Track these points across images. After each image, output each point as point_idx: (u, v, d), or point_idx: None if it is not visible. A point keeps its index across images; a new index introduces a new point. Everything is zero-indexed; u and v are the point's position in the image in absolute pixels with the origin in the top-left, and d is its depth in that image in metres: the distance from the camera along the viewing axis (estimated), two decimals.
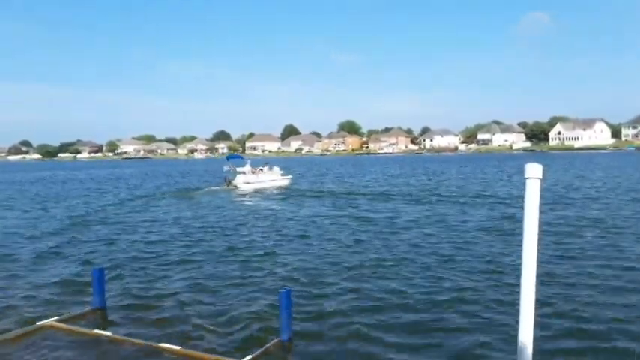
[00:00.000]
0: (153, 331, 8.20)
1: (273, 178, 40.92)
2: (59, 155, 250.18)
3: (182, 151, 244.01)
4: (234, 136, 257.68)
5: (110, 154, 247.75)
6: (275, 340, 7.58)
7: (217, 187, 38.27)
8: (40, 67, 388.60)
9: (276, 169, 42.32)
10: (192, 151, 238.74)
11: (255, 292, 10.27)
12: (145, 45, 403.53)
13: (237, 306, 9.41)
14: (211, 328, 8.35)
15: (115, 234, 17.82)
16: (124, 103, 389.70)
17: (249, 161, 41.81)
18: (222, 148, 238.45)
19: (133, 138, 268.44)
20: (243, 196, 33.23)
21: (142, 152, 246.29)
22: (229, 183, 38.52)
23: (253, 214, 22.82)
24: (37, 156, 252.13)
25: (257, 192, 35.45)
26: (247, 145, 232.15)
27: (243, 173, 39.30)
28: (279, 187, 38.56)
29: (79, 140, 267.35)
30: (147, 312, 9.23)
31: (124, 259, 13.70)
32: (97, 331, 8.10)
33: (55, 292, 10.61)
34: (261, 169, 40.91)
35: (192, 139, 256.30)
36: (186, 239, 16.51)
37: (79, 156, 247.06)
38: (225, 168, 41.06)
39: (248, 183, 38.40)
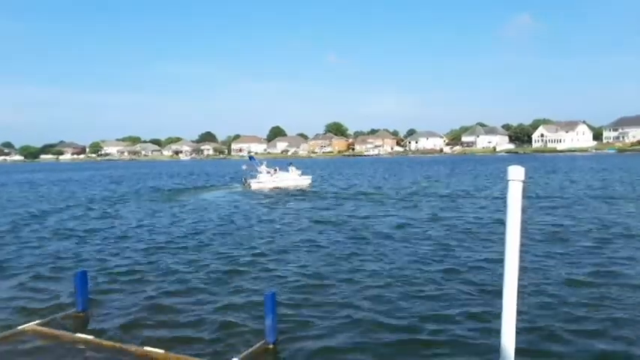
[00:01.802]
0: (136, 335, 8.12)
1: (290, 179, 41.33)
2: (41, 156, 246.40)
3: (167, 152, 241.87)
4: (220, 137, 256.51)
5: (93, 155, 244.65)
6: (260, 343, 7.55)
7: (237, 186, 40.79)
8: (22, 67, 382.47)
9: (292, 168, 42.73)
10: (177, 153, 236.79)
11: (241, 295, 10.23)
12: (130, 45, 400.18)
13: (223, 309, 9.37)
14: (196, 331, 8.30)
15: (95, 235, 17.63)
16: (109, 105, 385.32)
17: (264, 162, 42.93)
18: (208, 149, 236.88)
19: (117, 139, 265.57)
20: (246, 195, 33.55)
21: (125, 154, 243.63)
22: (246, 182, 39.87)
23: (241, 215, 22.72)
24: (19, 157, 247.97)
25: (266, 192, 35.80)
26: (233, 146, 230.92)
27: (260, 173, 40.38)
28: (297, 188, 38.82)
29: (61, 141, 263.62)
30: (130, 315, 9.14)
31: (108, 261, 13.55)
32: (79, 335, 7.99)
33: (37, 296, 10.46)
34: (275, 169, 41.56)
35: (178, 140, 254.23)
36: (169, 242, 16.38)
37: (61, 157, 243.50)
38: (244, 167, 42.55)
39: (260, 183, 39.45)
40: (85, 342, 7.77)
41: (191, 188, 41.76)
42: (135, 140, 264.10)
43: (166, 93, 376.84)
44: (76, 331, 8.13)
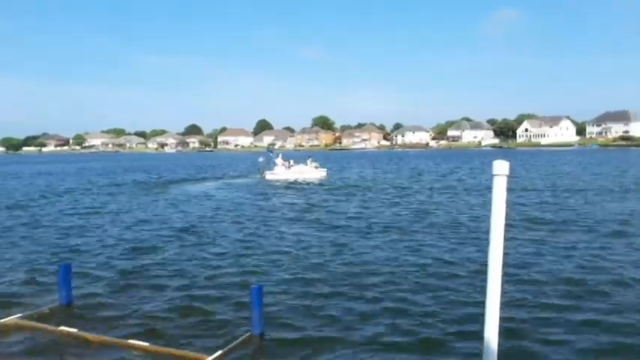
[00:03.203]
0: (121, 328, 8.07)
1: (305, 171, 42.20)
2: (24, 149, 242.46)
3: (152, 145, 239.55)
4: (206, 130, 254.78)
5: (77, 148, 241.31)
6: (247, 335, 7.56)
7: (255, 177, 42.58)
8: (2, 58, 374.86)
9: (309, 161, 43.78)
10: (162, 145, 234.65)
11: (228, 287, 10.20)
12: (114, 37, 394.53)
13: (209, 301, 9.34)
14: (182, 323, 8.27)
15: (81, 227, 17.45)
16: (93, 96, 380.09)
17: (279, 155, 44.32)
18: (194, 142, 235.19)
19: (102, 131, 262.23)
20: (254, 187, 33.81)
21: (110, 146, 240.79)
22: (262, 173, 41.49)
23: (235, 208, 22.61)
24: (1, 149, 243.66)
25: (277, 184, 36.58)
26: (219, 139, 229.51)
27: (276, 165, 41.72)
28: (311, 180, 39.39)
29: (44, 133, 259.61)
30: (115, 308, 9.07)
31: (93, 254, 13.42)
32: (63, 328, 7.91)
33: (20, 289, 10.33)
34: (290, 162, 42.72)
35: (163, 132, 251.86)
36: (155, 233, 16.26)
37: (44, 149, 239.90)
38: (260, 159, 43.80)
39: (274, 174, 40.96)
40: (68, 335, 7.70)
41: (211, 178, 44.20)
42: (119, 132, 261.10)
43: (152, 85, 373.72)
44: (59, 325, 8.05)
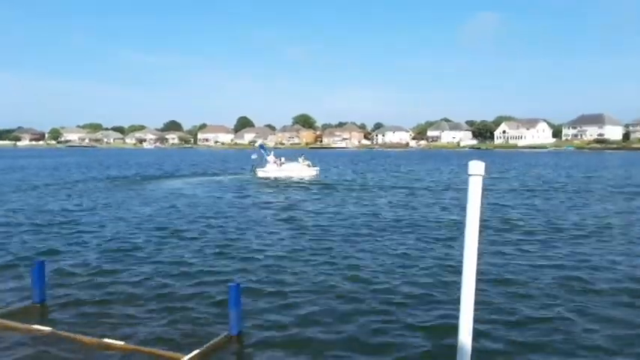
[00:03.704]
0: (96, 327, 7.95)
1: (296, 169, 42.32)
2: None
3: (130, 140, 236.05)
4: (186, 126, 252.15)
5: (53, 142, 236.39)
6: (224, 335, 7.52)
7: (247, 174, 42.69)
8: None
9: (301, 159, 43.85)
10: (140, 141, 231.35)
11: (205, 286, 10.14)
12: (92, 30, 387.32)
13: (186, 300, 9.27)
14: (158, 322, 8.19)
15: (56, 223, 17.12)
16: (70, 90, 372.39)
17: (272, 152, 44.34)
18: (173, 138, 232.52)
19: (78, 126, 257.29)
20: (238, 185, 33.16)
21: (87, 140, 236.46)
22: (254, 171, 41.67)
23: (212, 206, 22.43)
24: None
25: (266, 182, 36.64)
26: (199, 136, 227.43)
27: (268, 162, 41.86)
28: (302, 178, 39.67)
29: (19, 127, 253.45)
30: (90, 307, 8.93)
31: (68, 251, 13.19)
32: (36, 326, 7.77)
33: None
34: (281, 159, 42.76)
35: (141, 128, 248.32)
36: (133, 231, 16.06)
37: (19, 143, 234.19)
38: (253, 156, 43.58)
39: (265, 172, 41.12)
40: (42, 333, 7.57)
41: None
42: (96, 127, 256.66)
43: (130, 81, 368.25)
44: (32, 323, 7.91)
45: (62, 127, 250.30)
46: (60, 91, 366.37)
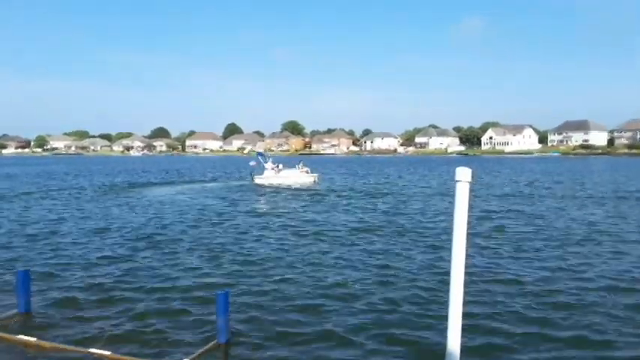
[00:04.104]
0: (82, 337, 7.85)
1: (294, 176, 42.27)
2: None
3: (117, 147, 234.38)
4: (174, 133, 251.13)
5: (39, 150, 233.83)
6: (212, 343, 7.47)
7: (245, 182, 42.73)
8: None
9: (299, 166, 43.83)
10: (128, 148, 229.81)
11: (193, 294, 10.06)
12: (80, 35, 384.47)
13: (174, 308, 9.19)
14: (145, 331, 8.10)
15: (41, 232, 16.90)
16: (56, 98, 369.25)
17: (270, 159, 44.29)
18: (161, 145, 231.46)
19: (65, 133, 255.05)
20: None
21: (73, 148, 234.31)
22: (253, 177, 41.82)
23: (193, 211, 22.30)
24: None
25: (261, 189, 36.54)
26: (188, 143, 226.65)
27: (266, 169, 41.85)
28: (300, 185, 39.61)
29: (4, 135, 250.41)
30: (75, 316, 8.82)
31: (54, 260, 13.01)
32: (21, 336, 7.66)
33: None
34: (278, 166, 42.71)
35: (129, 135, 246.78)
36: (119, 239, 15.90)
37: (4, 151, 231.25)
38: (251, 163, 43.74)
39: (263, 178, 41.20)
40: (27, 344, 7.46)
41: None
42: (83, 135, 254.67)
43: (117, 88, 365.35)
44: (17, 333, 7.79)
45: (48, 135, 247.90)
46: (46, 96, 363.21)
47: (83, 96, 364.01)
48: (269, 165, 42.36)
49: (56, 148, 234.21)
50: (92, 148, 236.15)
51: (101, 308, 9.24)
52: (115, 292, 10.23)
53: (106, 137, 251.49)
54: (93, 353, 7.11)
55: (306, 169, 43.80)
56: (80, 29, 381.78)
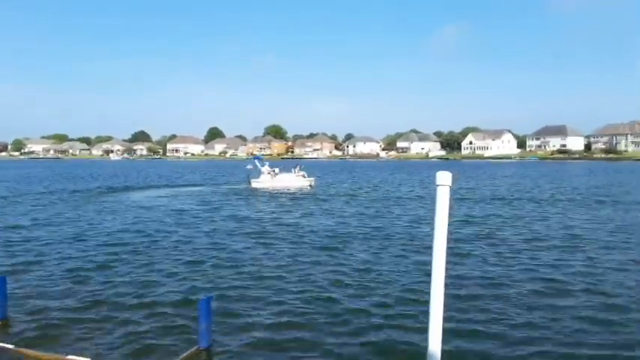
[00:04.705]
0: (60, 343, 7.73)
1: (290, 180, 42.26)
2: None
3: (97, 151, 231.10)
4: (155, 137, 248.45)
5: (16, 154, 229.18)
6: (194, 349, 7.41)
7: (242, 186, 42.16)
8: None
9: (296, 170, 43.68)
10: (107, 152, 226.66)
11: (175, 299, 9.96)
12: (59, 38, 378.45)
13: (155, 314, 9.10)
14: (126, 338, 8.01)
15: (18, 238, 16.56)
16: (34, 100, 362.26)
17: (266, 163, 44.49)
18: (142, 149, 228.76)
19: (43, 137, 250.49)
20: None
21: (51, 152, 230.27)
22: (249, 182, 41.70)
23: (177, 217, 22.07)
24: None
25: (256, 193, 36.27)
26: (169, 146, 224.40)
27: (262, 173, 41.83)
28: (297, 189, 39.66)
29: None
30: (54, 323, 8.67)
31: (31, 266, 12.76)
32: None
33: None
34: (275, 170, 42.70)
35: (109, 139, 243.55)
36: (100, 244, 15.67)
37: None
38: (248, 167, 43.53)
39: (259, 182, 40.91)
40: (4, 351, 7.30)
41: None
42: (62, 138, 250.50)
43: (96, 90, 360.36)
44: None
45: (26, 138, 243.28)
46: (24, 99, 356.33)
47: (62, 99, 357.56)
48: (265, 169, 42.41)
49: (34, 152, 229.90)
50: (71, 151, 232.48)
51: (80, 314, 9.10)
52: (95, 298, 10.08)
53: (86, 141, 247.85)
54: None
55: (302, 173, 43.70)
56: (59, 32, 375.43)
